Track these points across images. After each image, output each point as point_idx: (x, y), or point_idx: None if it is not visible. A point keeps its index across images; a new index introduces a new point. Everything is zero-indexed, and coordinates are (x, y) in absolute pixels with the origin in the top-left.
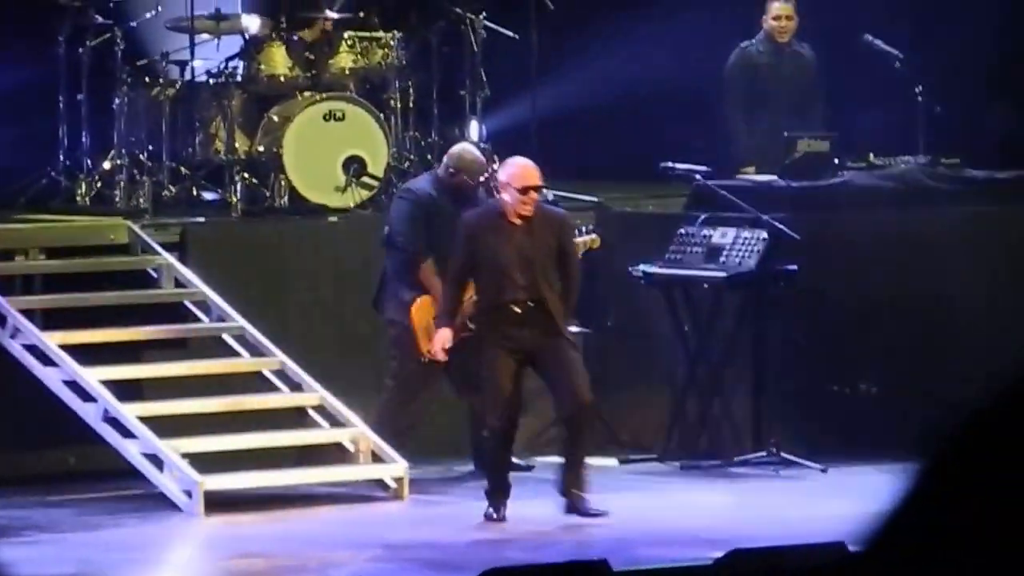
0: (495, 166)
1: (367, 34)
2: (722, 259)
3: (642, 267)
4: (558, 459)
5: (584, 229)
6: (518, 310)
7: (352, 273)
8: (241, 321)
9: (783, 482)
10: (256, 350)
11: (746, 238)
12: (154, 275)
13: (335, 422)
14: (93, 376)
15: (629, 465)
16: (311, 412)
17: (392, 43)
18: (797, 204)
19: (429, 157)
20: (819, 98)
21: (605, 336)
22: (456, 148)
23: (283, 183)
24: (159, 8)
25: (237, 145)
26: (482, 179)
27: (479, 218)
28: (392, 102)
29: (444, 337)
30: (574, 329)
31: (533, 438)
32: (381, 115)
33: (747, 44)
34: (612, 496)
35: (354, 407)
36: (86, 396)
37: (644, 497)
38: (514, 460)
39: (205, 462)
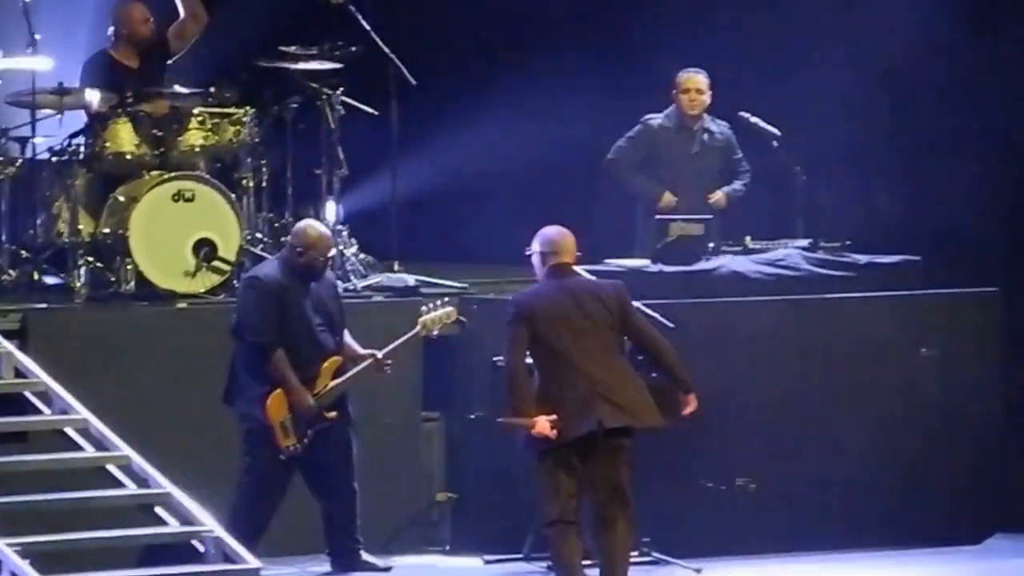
0: (358, 248)
1: (218, 110)
2: None
3: None
4: (418, 559)
5: (437, 303)
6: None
7: (203, 363)
8: (85, 413)
9: None
10: (100, 444)
11: None
12: None
13: (184, 519)
14: None
15: (495, 565)
16: (158, 509)
17: (244, 119)
18: (670, 290)
19: (283, 239)
20: (738, 179)
21: (467, 428)
22: (300, 226)
23: (129, 267)
24: None
25: (81, 227)
26: (331, 255)
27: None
28: (244, 181)
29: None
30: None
31: (392, 536)
32: (233, 195)
33: (651, 117)
34: None
35: (204, 504)
36: None
37: None
38: (369, 559)
39: (46, 562)
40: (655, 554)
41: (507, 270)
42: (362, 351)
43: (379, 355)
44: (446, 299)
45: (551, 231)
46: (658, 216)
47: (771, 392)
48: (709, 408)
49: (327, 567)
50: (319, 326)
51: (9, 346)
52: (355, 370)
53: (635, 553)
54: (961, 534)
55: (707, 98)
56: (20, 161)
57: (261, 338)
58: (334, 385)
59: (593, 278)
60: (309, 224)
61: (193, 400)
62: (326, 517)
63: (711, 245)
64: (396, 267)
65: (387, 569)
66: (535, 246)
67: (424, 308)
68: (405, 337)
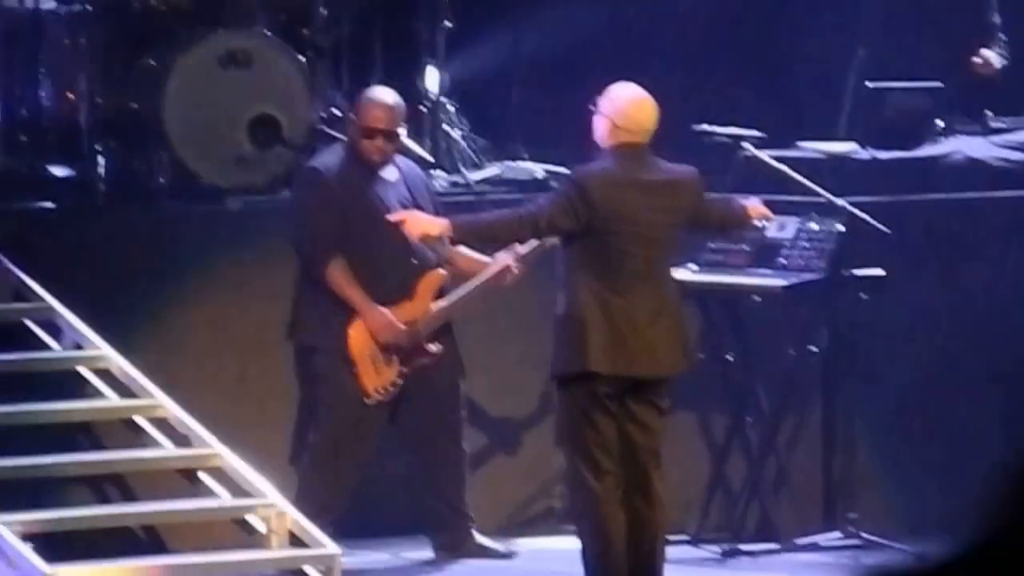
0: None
1: None
2: (780, 260)
3: None
4: (548, 541)
5: None
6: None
7: (262, 280)
8: (104, 348)
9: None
10: (126, 389)
11: (813, 231)
12: None
13: (238, 490)
14: None
15: None
16: (204, 476)
17: None
18: (885, 183)
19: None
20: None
21: None
22: (368, 96)
23: (164, 154)
24: None
25: (100, 100)
26: (401, 131)
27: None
28: (318, 40)
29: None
30: None
31: (513, 513)
32: (302, 58)
33: None
34: None
35: (265, 470)
36: None
37: None
38: (484, 541)
39: (57, 546)
40: (864, 534)
41: (663, 156)
42: (482, 258)
43: (519, 253)
44: None
45: (625, 97)
46: (870, 85)
47: None
48: (940, 341)
49: (428, 552)
50: None
51: (4, 260)
52: (472, 284)
53: (838, 534)
54: None
55: None
56: (18, 13)
57: (310, 246)
58: (438, 309)
59: (670, 165)
60: (378, 92)
61: (247, 329)
62: (426, 485)
63: (939, 122)
64: (520, 153)
65: (508, 555)
66: (603, 108)
67: None
68: (532, 247)
